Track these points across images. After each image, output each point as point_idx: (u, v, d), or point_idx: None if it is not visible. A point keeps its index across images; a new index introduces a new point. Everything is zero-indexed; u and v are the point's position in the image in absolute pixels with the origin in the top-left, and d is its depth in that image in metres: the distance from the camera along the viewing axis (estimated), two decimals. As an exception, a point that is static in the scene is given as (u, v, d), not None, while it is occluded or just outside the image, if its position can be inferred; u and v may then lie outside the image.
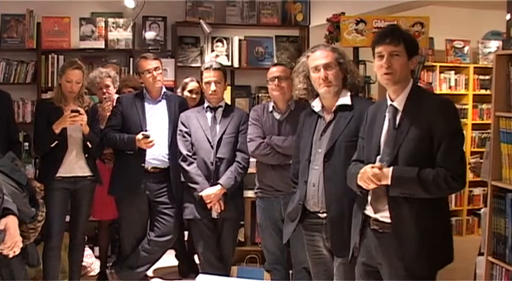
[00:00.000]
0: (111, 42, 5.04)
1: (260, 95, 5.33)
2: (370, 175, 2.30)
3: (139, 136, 3.67)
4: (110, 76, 4.21)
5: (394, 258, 2.32)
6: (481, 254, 2.88)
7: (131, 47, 5.06)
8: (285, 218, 3.04)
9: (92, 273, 4.37)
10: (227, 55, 5.36)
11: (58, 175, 3.61)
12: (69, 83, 3.61)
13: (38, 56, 4.90)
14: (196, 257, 4.16)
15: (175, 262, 4.47)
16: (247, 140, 3.58)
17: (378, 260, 2.41)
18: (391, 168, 2.30)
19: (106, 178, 3.86)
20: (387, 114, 2.41)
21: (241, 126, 3.70)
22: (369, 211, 2.42)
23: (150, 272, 4.19)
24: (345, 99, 2.78)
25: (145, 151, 3.74)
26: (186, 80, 4.35)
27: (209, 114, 3.73)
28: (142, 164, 3.76)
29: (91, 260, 4.42)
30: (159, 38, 5.21)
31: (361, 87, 3.59)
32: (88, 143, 3.67)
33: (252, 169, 3.76)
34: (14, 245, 2.28)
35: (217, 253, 3.73)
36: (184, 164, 3.66)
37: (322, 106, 2.83)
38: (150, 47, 5.08)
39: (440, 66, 5.57)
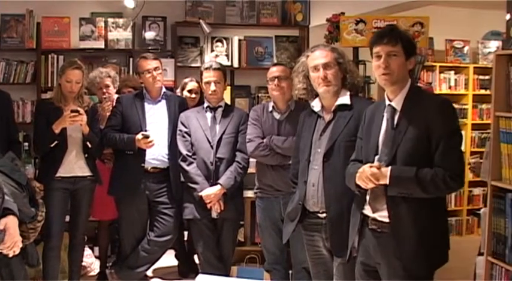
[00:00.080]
0: (111, 42, 5.03)
1: (260, 95, 5.32)
2: (369, 175, 2.30)
3: (139, 136, 3.67)
4: (109, 76, 4.21)
5: (392, 258, 2.32)
6: (480, 254, 2.88)
7: (131, 47, 5.05)
8: (285, 218, 3.04)
9: (92, 273, 4.37)
10: (227, 55, 5.35)
11: (58, 175, 3.61)
12: (69, 83, 3.62)
13: (38, 56, 4.90)
14: (196, 257, 4.16)
15: (175, 262, 4.48)
16: (246, 140, 3.57)
17: (376, 259, 2.41)
18: (389, 167, 2.30)
19: (106, 178, 3.86)
20: (385, 114, 2.41)
21: (241, 126, 3.70)
22: (367, 210, 2.42)
23: (149, 272, 4.19)
24: (344, 99, 2.78)
25: (145, 151, 3.74)
26: (186, 80, 4.35)
27: (209, 114, 3.73)
28: (142, 164, 3.76)
29: (91, 260, 4.42)
30: (158, 38, 5.21)
31: (361, 87, 3.58)
32: (88, 143, 3.67)
33: (251, 169, 3.76)
34: (13, 245, 2.28)
35: (217, 253, 3.73)
36: (184, 164, 3.66)
37: (322, 106, 2.83)
38: (149, 47, 5.08)
39: (440, 66, 5.55)
